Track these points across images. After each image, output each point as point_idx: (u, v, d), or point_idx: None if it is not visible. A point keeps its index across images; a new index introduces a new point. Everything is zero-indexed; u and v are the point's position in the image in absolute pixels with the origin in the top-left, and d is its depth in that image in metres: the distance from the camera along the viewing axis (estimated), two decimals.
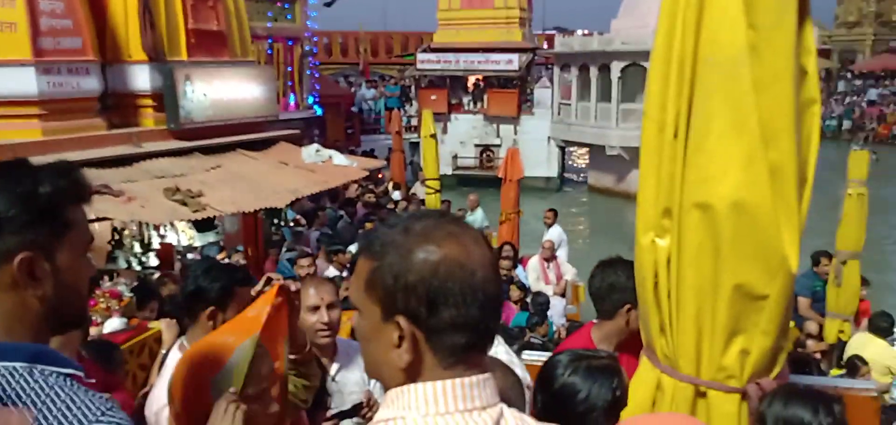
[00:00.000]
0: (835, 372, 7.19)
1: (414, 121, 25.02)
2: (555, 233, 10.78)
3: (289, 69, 18.44)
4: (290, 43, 18.47)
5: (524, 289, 8.86)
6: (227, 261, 7.50)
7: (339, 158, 9.37)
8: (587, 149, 25.15)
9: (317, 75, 21.74)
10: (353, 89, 30.42)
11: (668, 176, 1.95)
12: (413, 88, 27.37)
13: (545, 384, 1.99)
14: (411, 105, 27.09)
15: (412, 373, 1.15)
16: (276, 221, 9.75)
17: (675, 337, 2.08)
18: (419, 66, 26.06)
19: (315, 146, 9.48)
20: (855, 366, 7.03)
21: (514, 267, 9.53)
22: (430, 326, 1.13)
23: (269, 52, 17.55)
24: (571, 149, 26.56)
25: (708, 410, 2.10)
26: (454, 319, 1.14)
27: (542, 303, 8.10)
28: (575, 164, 28.74)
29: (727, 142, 1.85)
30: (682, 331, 2.06)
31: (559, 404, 1.90)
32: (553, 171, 25.61)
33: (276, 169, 8.51)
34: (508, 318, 7.88)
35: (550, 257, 9.91)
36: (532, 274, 9.90)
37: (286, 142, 9.43)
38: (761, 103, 1.80)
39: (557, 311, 8.81)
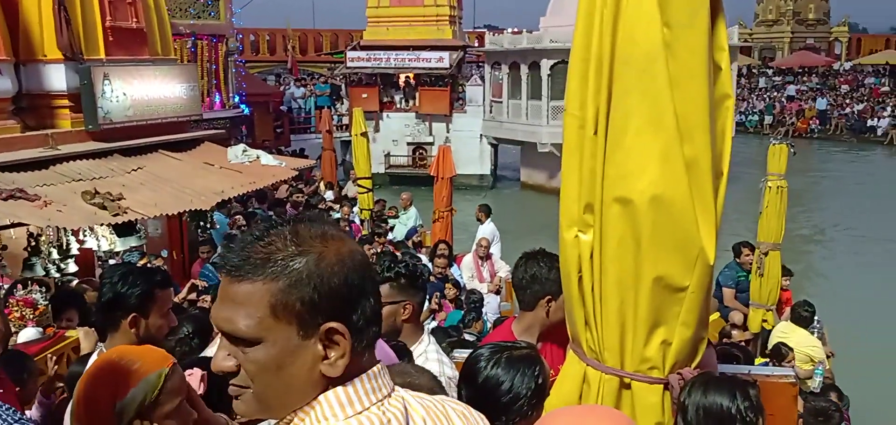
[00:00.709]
0: (759, 360, 7.44)
1: (345, 120, 24.85)
2: (488, 230, 10.84)
3: (213, 67, 18.02)
4: (214, 40, 18.06)
5: (459, 286, 8.87)
6: (147, 265, 7.28)
7: (266, 158, 9.21)
8: (519, 146, 25.42)
9: (243, 73, 21.33)
10: (281, 88, 29.95)
11: (590, 172, 1.98)
12: (344, 86, 27.15)
13: (469, 379, 2.01)
14: (342, 103, 26.87)
15: (338, 381, 1.11)
16: (202, 224, 9.50)
17: (599, 331, 2.11)
18: (349, 64, 25.85)
19: (241, 146, 9.30)
20: (780, 353, 7.28)
21: (449, 265, 9.54)
22: (354, 324, 1.10)
23: (192, 49, 17.12)
24: (504, 146, 26.79)
25: (632, 401, 2.14)
26: (371, 312, 1.13)
27: (476, 300, 8.13)
28: (508, 162, 29.00)
29: (645, 138, 1.88)
30: (606, 325, 2.09)
31: (484, 397, 1.92)
32: (486, 169, 25.79)
33: (201, 170, 8.32)
34: (441, 319, 7.89)
35: (486, 255, 9.96)
36: (466, 271, 9.93)
37: (211, 143, 9.23)
38: (677, 99, 1.84)
39: (492, 309, 8.86)
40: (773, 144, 7.80)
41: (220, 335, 1.18)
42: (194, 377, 2.04)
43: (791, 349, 7.26)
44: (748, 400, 2.05)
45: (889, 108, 37.21)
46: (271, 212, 11.78)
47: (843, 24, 54.38)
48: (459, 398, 2.00)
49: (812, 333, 8.28)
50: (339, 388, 1.11)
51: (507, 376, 1.98)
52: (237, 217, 9.53)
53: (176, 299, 6.27)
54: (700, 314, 2.04)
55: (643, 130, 1.87)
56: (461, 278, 9.59)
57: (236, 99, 19.44)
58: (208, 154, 8.88)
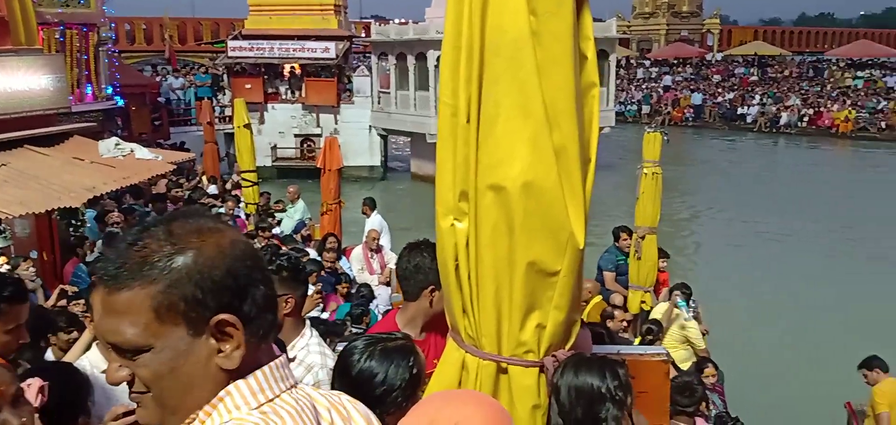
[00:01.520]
0: (637, 340, 7.75)
1: (228, 111, 24.14)
2: (375, 222, 10.80)
3: (84, 58, 17.08)
4: (84, 29, 17.12)
5: (350, 280, 8.81)
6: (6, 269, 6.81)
7: (141, 152, 8.83)
8: (409, 137, 25.47)
9: (117, 64, 20.32)
10: (159, 78, 28.76)
11: (464, 160, 2.00)
12: (226, 77, 26.36)
13: (342, 372, 2.01)
14: (224, 94, 26.09)
15: (239, 373, 1.09)
16: (73, 223, 9.00)
17: (477, 317, 2.14)
18: (231, 53, 25.14)
19: (114, 139, 8.88)
20: (651, 331, 7.62)
21: (339, 258, 9.44)
22: (246, 314, 1.08)
23: (60, 39, 16.17)
24: (394, 137, 26.79)
25: (510, 385, 2.18)
26: (263, 299, 1.11)
27: (364, 294, 8.09)
28: (398, 153, 29.03)
29: (515, 126, 1.91)
30: (483, 311, 2.12)
31: (358, 389, 1.92)
32: (376, 160, 25.71)
33: (70, 165, 7.88)
34: (332, 311, 7.82)
35: (376, 247, 9.92)
36: (356, 264, 9.86)
37: (81, 136, 8.76)
38: (544, 87, 1.87)
39: (383, 300, 8.84)
40: (648, 132, 8.14)
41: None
42: (32, 388, 1.91)
43: (660, 326, 7.62)
44: (617, 379, 2.13)
45: (757, 97, 39.60)
46: (149, 207, 11.30)
47: (714, 16, 57.43)
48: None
49: (688, 313, 8.71)
50: (243, 381, 1.10)
51: (381, 368, 1.99)
52: (112, 213, 9.07)
53: (47, 305, 5.91)
54: (572, 297, 2.10)
55: (513, 118, 1.90)
56: (351, 271, 9.53)
57: (109, 90, 18.50)
58: (78, 148, 8.42)
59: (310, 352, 3.06)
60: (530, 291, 2.05)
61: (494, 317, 2.10)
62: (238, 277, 1.07)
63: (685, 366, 7.98)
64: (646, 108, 41.40)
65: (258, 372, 1.11)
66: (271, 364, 1.12)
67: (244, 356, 1.08)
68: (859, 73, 41.93)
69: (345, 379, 2.00)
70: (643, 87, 45.29)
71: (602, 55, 24.31)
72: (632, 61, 51.87)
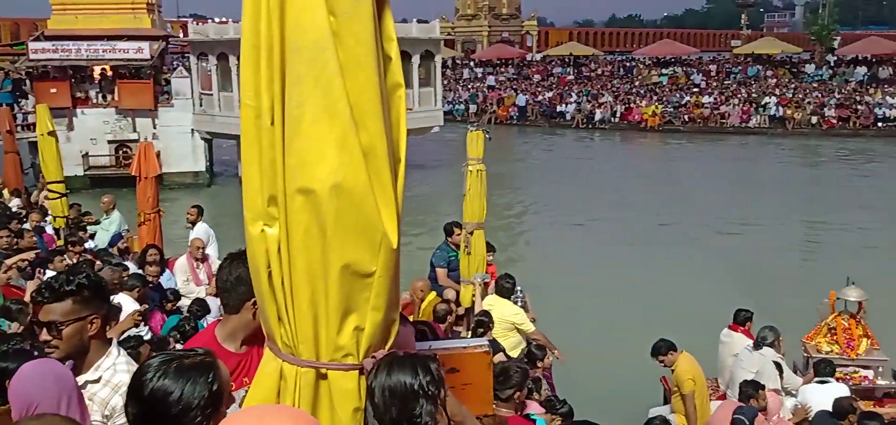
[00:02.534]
0: (469, 335, 7.94)
1: (32, 118, 22.22)
2: (200, 231, 10.37)
3: None
4: None
5: (176, 293, 8.39)
6: None
7: None
8: (235, 140, 24.62)
9: None
10: None
11: (270, 163, 1.94)
12: (28, 81, 24.26)
13: (135, 393, 1.92)
14: (28, 100, 24.00)
15: None
16: None
17: (293, 324, 2.09)
18: (33, 56, 23.16)
19: None
20: (483, 323, 7.82)
21: (162, 271, 8.95)
22: None
23: None
24: (219, 141, 25.80)
25: (330, 390, 2.15)
26: None
27: (197, 309, 7.75)
28: (226, 157, 27.99)
29: (321, 127, 1.88)
30: (299, 317, 2.07)
31: (153, 410, 1.84)
32: (201, 165, 24.65)
33: None
34: (157, 326, 7.41)
35: (201, 257, 9.51)
36: (180, 275, 9.41)
37: None
38: (349, 88, 1.86)
39: (213, 312, 8.49)
40: (471, 131, 8.36)
41: None
42: None
43: (491, 318, 7.86)
44: (430, 375, 2.16)
45: (574, 95, 41.85)
46: None
47: (532, 18, 60.09)
48: (126, 415, 1.89)
49: (515, 302, 9.03)
50: None
51: (176, 386, 1.92)
52: None
53: None
54: (389, 297, 2.10)
55: (319, 119, 1.87)
56: (175, 283, 9.07)
57: None
58: None
59: (116, 372, 2.88)
60: (346, 294, 2.03)
61: (311, 322, 2.06)
62: None
63: (515, 353, 8.29)
64: (473, 107, 42.59)
65: None
66: None
67: None
68: (664, 71, 45.44)
69: (136, 400, 1.92)
70: (469, 86, 46.58)
71: (428, 56, 24.75)
72: (458, 62, 53.21)
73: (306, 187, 1.91)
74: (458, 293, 9.14)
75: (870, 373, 7.98)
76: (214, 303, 8.77)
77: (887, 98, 35.87)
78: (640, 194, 22.88)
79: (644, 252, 16.51)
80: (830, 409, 6.50)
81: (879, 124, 34.20)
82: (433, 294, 9.13)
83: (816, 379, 7.37)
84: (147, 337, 6.88)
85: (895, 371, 8.06)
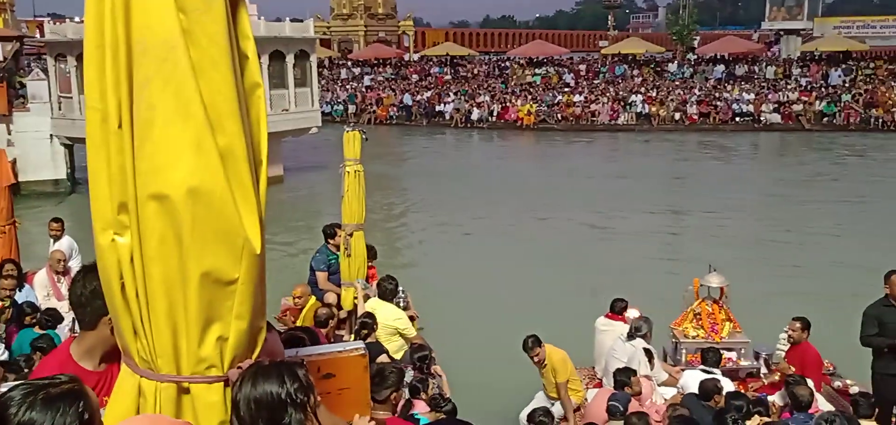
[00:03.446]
0: (352, 338, 7.85)
1: None
2: (63, 244, 9.77)
3: None
4: None
5: (34, 307, 7.86)
6: None
7: None
8: None
9: None
10: None
11: (119, 168, 1.83)
12: None
13: None
14: None
15: None
16: None
17: (150, 338, 1.98)
18: None
19: None
20: (366, 325, 7.76)
21: (20, 286, 8.35)
22: None
23: None
24: (81, 146, 24.39)
25: (194, 405, 2.05)
26: None
27: (47, 320, 7.29)
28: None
29: (174, 130, 1.79)
30: (156, 330, 1.97)
31: None
32: (61, 172, 23.22)
33: None
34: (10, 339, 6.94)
35: (63, 270, 8.96)
36: (41, 290, 8.84)
37: None
38: (203, 88, 1.78)
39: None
40: (347, 132, 8.28)
41: None
42: None
43: (375, 319, 7.82)
44: (297, 381, 2.10)
45: (452, 95, 42.32)
46: None
47: (408, 18, 60.31)
48: None
49: (398, 303, 9.02)
50: None
51: (44, 418, 1.77)
52: None
53: None
54: (254, 304, 2.03)
55: (171, 121, 1.78)
56: (35, 298, 8.51)
57: None
58: None
59: None
60: (207, 303, 1.94)
61: (170, 334, 1.96)
62: None
63: (399, 356, 8.28)
64: (352, 108, 42.31)
65: None
66: None
67: None
68: (537, 71, 46.69)
69: None
70: (347, 87, 46.24)
71: (303, 56, 24.34)
72: (335, 62, 52.71)
73: (160, 193, 1.81)
74: (339, 296, 9.04)
75: (733, 355, 8.46)
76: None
77: (743, 94, 38.33)
78: (518, 191, 23.41)
79: (523, 247, 16.90)
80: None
81: (737, 119, 36.51)
82: (314, 298, 8.99)
83: (701, 367, 7.74)
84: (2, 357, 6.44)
85: (757, 352, 8.58)
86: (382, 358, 7.57)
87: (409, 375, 7.39)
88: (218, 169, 1.82)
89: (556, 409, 7.69)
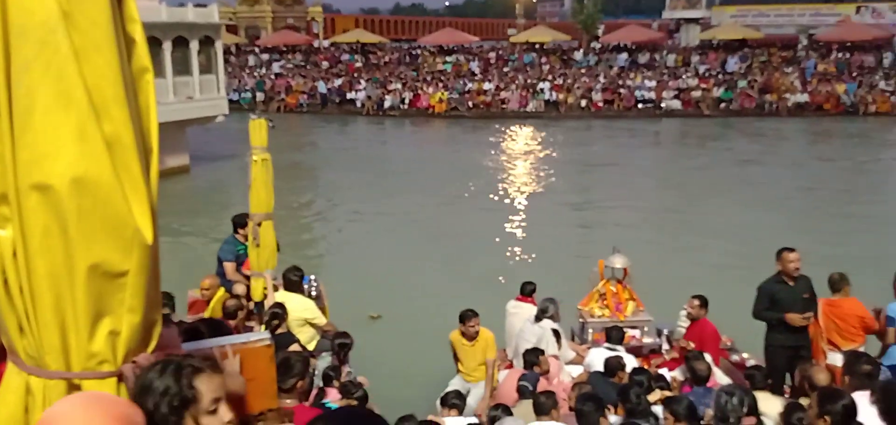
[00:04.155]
0: (262, 328, 7.71)
1: None
2: None
3: None
4: None
5: None
6: None
7: None
8: None
9: None
10: None
11: None
12: None
13: None
14: None
15: None
16: None
17: (36, 334, 1.90)
18: None
19: None
20: (277, 315, 7.66)
21: None
22: None
23: None
24: None
25: None
26: None
27: None
28: None
29: (56, 117, 1.72)
30: (43, 326, 1.88)
31: None
32: None
33: None
34: None
35: None
36: None
37: None
38: (86, 73, 1.71)
39: None
40: (253, 119, 8.12)
41: None
42: None
43: (285, 310, 7.74)
44: (178, 371, 2.04)
45: (363, 82, 42.04)
46: None
47: (317, 4, 59.43)
48: None
49: (310, 293, 8.92)
50: None
51: None
52: None
53: None
54: (147, 297, 1.97)
55: (52, 108, 1.70)
56: None
57: None
58: None
59: None
60: (97, 297, 1.87)
61: (58, 330, 1.88)
62: None
63: (312, 346, 8.22)
64: (260, 95, 41.47)
65: None
66: None
67: None
68: (448, 59, 46.89)
69: None
70: (255, 73, 45.27)
71: (208, 41, 23.68)
72: (242, 48, 51.49)
73: (42, 183, 1.73)
74: (248, 287, 8.88)
75: (636, 333, 8.77)
76: None
77: (646, 82, 39.59)
78: (430, 178, 23.53)
79: (435, 234, 17.01)
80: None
81: (639, 106, 37.69)
82: (222, 290, 8.81)
83: (606, 344, 7.97)
84: None
85: (658, 329, 8.92)
86: (294, 349, 7.51)
87: (327, 361, 7.36)
88: (104, 157, 1.75)
89: (476, 393, 7.81)
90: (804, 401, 5.10)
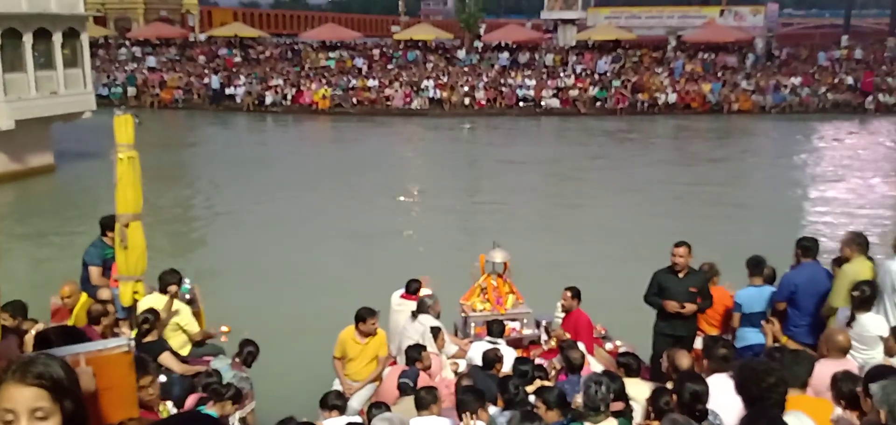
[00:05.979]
0: (152, 336, 7.35)
1: None
2: None
3: None
4: None
5: None
6: None
7: None
8: None
9: None
10: None
11: None
12: None
13: None
14: None
15: None
16: None
17: None
18: None
19: None
20: (148, 321, 7.35)
21: None
22: None
23: None
24: None
25: None
26: None
27: None
28: None
29: None
30: None
31: None
32: None
33: None
34: None
35: None
36: None
37: None
38: None
39: None
40: (118, 115, 7.72)
41: None
42: None
43: (157, 315, 7.42)
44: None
45: (243, 78, 40.89)
46: None
47: None
48: None
49: (183, 297, 8.59)
50: None
51: None
52: None
53: None
54: None
55: None
56: None
57: None
58: None
59: None
60: None
61: None
62: None
63: (185, 351, 7.92)
64: (132, 90, 39.61)
65: None
66: None
67: None
68: (331, 54, 46.29)
69: None
70: (126, 67, 43.19)
71: (72, 34, 22.42)
72: (111, 41, 49.00)
73: None
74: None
75: (516, 325, 8.93)
76: None
77: (526, 81, 40.51)
78: (313, 176, 23.19)
79: (318, 232, 16.77)
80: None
81: (520, 104, 38.53)
82: (85, 295, 8.37)
83: (487, 338, 8.05)
84: None
85: (537, 320, 9.12)
86: (166, 356, 7.21)
87: (231, 374, 7.13)
88: None
89: (360, 395, 7.75)
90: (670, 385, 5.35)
